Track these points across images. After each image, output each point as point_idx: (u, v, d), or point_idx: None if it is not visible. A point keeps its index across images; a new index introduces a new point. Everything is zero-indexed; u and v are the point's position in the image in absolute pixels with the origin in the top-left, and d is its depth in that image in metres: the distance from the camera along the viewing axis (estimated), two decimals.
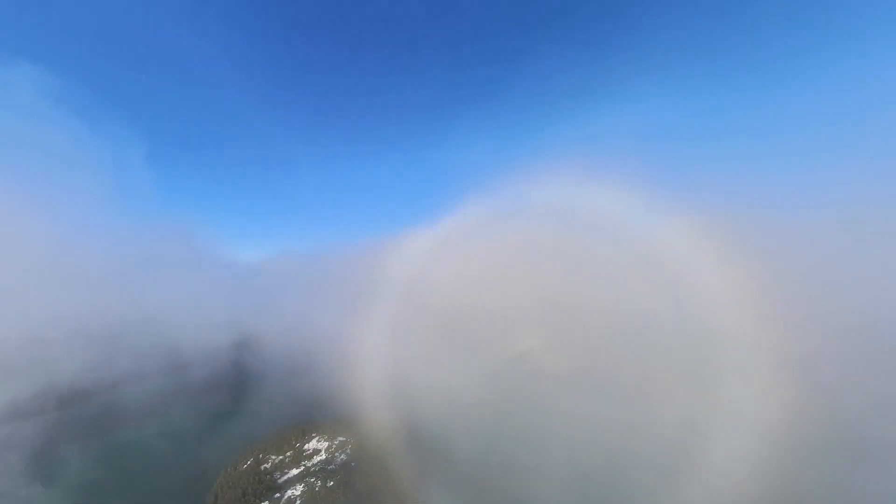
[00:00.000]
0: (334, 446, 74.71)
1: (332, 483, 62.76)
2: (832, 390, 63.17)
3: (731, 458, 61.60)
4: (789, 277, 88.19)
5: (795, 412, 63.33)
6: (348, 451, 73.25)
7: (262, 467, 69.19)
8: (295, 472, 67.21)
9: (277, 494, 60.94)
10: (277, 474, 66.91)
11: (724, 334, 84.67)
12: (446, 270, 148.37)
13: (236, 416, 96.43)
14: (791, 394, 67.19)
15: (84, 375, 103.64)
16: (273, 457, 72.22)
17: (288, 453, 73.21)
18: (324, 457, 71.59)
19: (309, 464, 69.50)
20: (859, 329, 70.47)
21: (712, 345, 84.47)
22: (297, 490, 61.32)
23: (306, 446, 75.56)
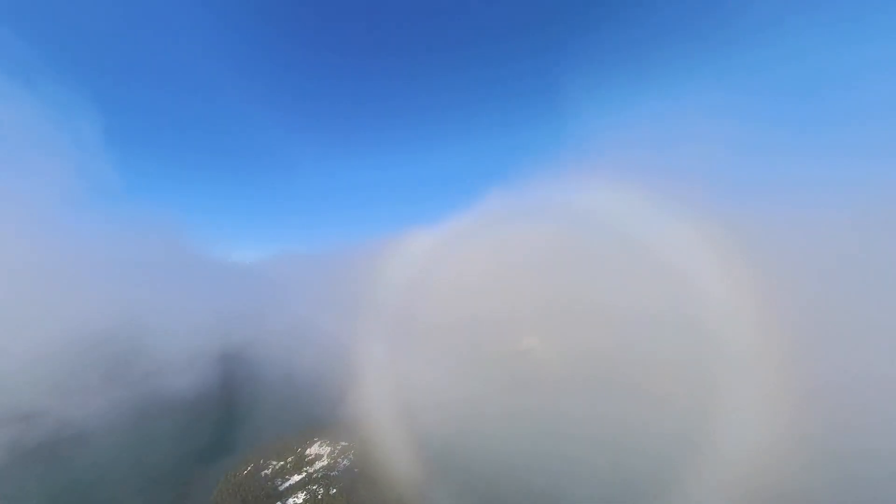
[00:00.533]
0: (336, 451, 72.88)
1: (334, 490, 60.94)
2: (836, 390, 62.15)
3: (736, 457, 61.15)
4: (795, 277, 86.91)
5: (800, 410, 62.61)
6: (351, 456, 71.44)
7: (263, 473, 67.29)
8: (297, 478, 65.33)
9: (279, 503, 59.01)
10: (278, 481, 65.03)
11: (729, 332, 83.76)
12: (449, 271, 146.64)
13: (230, 428, 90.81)
14: (796, 392, 66.39)
15: (48, 392, 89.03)
16: (274, 463, 70.30)
17: (289, 459, 71.30)
18: (326, 462, 69.74)
19: (311, 470, 67.63)
20: (864, 329, 69.36)
21: (717, 343, 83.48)
22: (299, 498, 59.44)
23: (308, 451, 73.67)
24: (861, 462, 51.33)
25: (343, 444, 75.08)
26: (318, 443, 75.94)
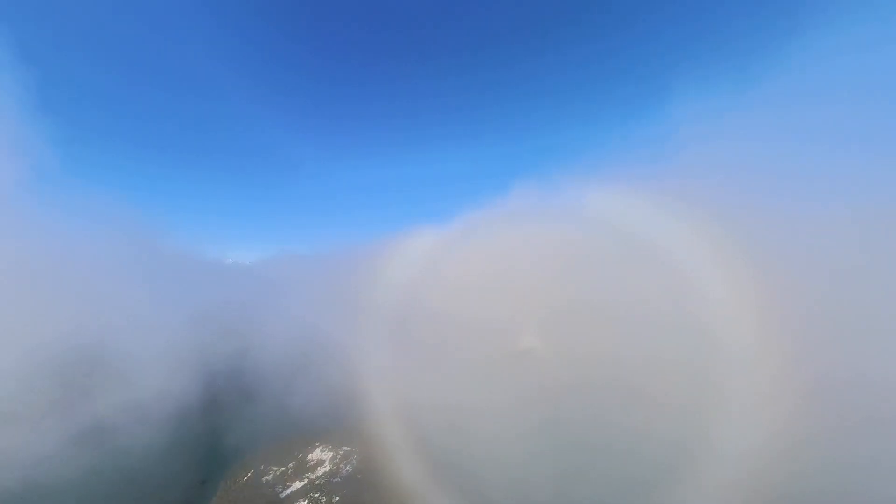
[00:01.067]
0: (339, 457, 71.27)
1: (337, 498, 59.32)
2: (840, 392, 61.06)
3: (739, 460, 60.33)
4: (797, 277, 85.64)
5: (805, 413, 61.64)
6: (354, 461, 69.84)
7: (264, 479, 65.67)
8: (298, 485, 63.69)
9: None
10: (279, 488, 63.37)
11: (735, 335, 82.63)
12: (452, 272, 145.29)
13: (227, 435, 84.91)
14: (800, 394, 65.43)
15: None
16: (274, 468, 68.68)
17: (290, 464, 69.70)
18: (328, 468, 68.12)
19: (313, 476, 66.01)
20: (868, 330, 68.16)
21: (723, 346, 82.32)
22: None
23: (309, 456, 72.09)
24: (864, 466, 49.98)
25: (345, 448, 73.47)
26: (320, 447, 74.30)
